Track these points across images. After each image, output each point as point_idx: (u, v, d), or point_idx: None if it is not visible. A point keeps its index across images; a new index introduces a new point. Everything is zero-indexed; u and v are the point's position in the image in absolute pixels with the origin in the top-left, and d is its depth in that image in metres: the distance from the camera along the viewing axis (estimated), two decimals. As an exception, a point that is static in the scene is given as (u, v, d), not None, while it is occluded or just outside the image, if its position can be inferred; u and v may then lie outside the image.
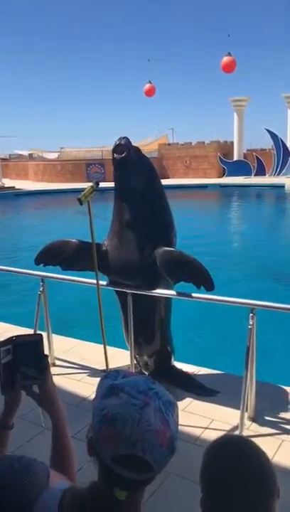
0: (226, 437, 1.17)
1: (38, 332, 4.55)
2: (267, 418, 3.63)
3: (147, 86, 27.43)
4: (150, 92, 27.54)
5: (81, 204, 3.56)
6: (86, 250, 3.82)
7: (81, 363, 4.68)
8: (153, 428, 0.95)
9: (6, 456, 1.15)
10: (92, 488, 1.05)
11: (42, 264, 4.19)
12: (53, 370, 4.60)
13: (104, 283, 4.04)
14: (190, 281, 3.65)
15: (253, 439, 3.52)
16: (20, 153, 48.49)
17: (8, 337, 1.37)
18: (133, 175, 3.72)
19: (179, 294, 3.83)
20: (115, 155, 3.71)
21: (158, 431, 0.95)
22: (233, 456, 1.06)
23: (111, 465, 0.96)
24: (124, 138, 3.73)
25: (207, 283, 3.57)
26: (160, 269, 3.67)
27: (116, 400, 0.97)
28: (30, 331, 4.59)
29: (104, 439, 0.96)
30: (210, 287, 3.57)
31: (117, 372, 1.07)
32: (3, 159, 45.81)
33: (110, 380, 1.03)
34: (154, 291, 3.83)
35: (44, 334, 4.51)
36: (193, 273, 3.62)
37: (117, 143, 3.70)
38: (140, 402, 0.96)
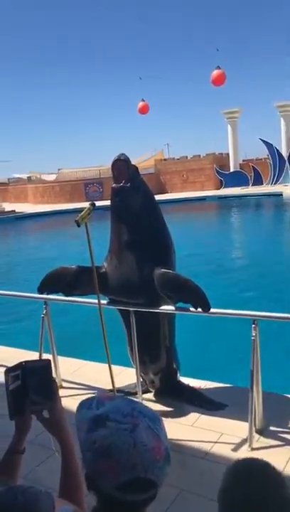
0: (247, 461, 1.15)
1: (44, 355, 4.57)
2: (276, 429, 3.61)
3: (140, 104, 27.75)
4: (143, 110, 27.86)
5: (78, 226, 3.60)
6: (86, 274, 3.85)
7: (88, 384, 4.68)
8: (149, 447, 0.97)
9: (11, 488, 1.14)
10: None
11: (45, 293, 4.25)
12: (61, 392, 4.62)
13: (105, 302, 4.07)
14: (186, 302, 3.70)
15: (263, 451, 3.50)
16: (19, 176, 48.83)
17: (17, 362, 1.39)
18: (131, 198, 3.80)
19: (181, 309, 3.86)
20: (113, 184, 3.79)
21: (153, 448, 0.97)
22: (257, 481, 1.04)
23: (116, 494, 0.96)
24: (122, 154, 3.80)
25: (202, 304, 3.59)
26: (158, 290, 3.72)
27: (105, 430, 0.98)
28: (36, 354, 4.61)
29: (104, 471, 0.96)
30: (205, 309, 3.58)
31: (92, 400, 1.07)
32: (2, 183, 46.19)
33: (90, 412, 1.03)
34: (156, 307, 3.86)
35: (50, 356, 4.56)
36: (189, 294, 3.65)
37: (116, 158, 3.77)
38: (129, 425, 0.97)
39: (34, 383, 1.37)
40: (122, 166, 3.78)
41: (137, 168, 4.02)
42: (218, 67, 21.79)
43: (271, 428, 3.62)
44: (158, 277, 3.70)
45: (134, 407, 1.03)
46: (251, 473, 1.06)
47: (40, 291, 4.22)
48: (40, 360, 1.49)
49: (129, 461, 0.95)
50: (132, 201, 3.81)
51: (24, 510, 1.06)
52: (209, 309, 3.59)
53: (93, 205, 3.73)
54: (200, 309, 3.60)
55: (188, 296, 3.68)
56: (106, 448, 0.96)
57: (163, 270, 3.73)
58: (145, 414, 1.02)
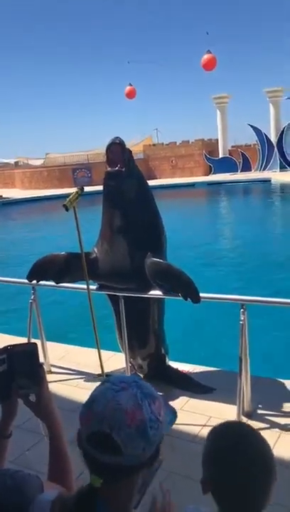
0: (226, 422, 1.23)
1: (33, 340, 4.55)
2: (264, 412, 3.66)
3: (127, 88, 27.52)
4: (131, 95, 27.62)
5: (67, 210, 3.57)
6: (75, 261, 3.80)
7: (76, 369, 4.69)
8: (122, 407, 0.99)
9: None
10: (78, 490, 1.08)
11: (35, 281, 4.17)
12: (49, 377, 4.64)
13: (94, 287, 4.05)
14: (177, 292, 3.66)
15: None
16: (6, 161, 48.24)
17: (2, 346, 1.37)
18: (126, 183, 3.75)
19: (170, 294, 3.85)
20: (108, 168, 3.72)
21: (127, 411, 0.99)
22: (234, 437, 1.12)
23: (85, 446, 1.01)
24: (117, 138, 3.73)
25: (193, 296, 3.56)
26: (148, 279, 3.69)
27: (100, 387, 1.06)
28: (24, 340, 4.59)
29: (82, 420, 1.03)
30: (195, 300, 3.56)
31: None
32: (-11, 169, 45.63)
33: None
34: (145, 292, 3.84)
35: (38, 342, 4.54)
36: (180, 285, 3.63)
37: (111, 142, 3.70)
38: (118, 387, 1.03)
39: (20, 367, 1.35)
40: (117, 149, 3.71)
41: (132, 152, 3.96)
42: (209, 52, 21.64)
43: (259, 411, 3.67)
44: (150, 267, 3.67)
45: (136, 380, 1.07)
46: (228, 430, 1.16)
47: (29, 280, 4.14)
48: (27, 343, 1.46)
49: (100, 413, 0.99)
50: (127, 186, 3.75)
51: (13, 493, 1.06)
52: (199, 301, 3.56)
53: (82, 189, 3.70)
54: (189, 300, 3.58)
55: (178, 287, 3.65)
56: (91, 400, 1.04)
57: (154, 260, 3.69)
58: (141, 388, 1.05)
